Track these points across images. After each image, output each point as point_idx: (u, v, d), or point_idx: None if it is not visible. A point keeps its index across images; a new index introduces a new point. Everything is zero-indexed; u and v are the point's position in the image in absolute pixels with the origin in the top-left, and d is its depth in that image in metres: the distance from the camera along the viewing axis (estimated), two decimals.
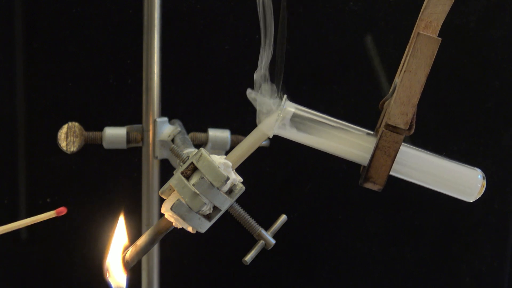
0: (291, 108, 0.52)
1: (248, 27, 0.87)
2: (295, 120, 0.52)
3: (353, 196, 0.94)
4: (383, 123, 0.50)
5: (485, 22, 0.90)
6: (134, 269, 0.55)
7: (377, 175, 0.50)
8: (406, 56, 0.51)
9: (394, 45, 0.90)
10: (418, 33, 0.48)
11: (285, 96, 0.52)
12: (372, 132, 0.52)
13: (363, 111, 0.90)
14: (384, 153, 0.50)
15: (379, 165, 0.50)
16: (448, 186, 0.53)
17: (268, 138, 0.53)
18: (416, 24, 0.50)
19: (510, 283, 0.99)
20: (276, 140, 0.75)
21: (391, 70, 0.89)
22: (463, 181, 0.52)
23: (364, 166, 0.52)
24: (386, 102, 0.52)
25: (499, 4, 0.90)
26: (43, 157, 0.87)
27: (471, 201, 0.53)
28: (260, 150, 0.54)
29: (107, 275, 0.52)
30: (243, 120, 0.88)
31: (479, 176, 0.52)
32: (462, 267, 0.98)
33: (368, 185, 0.51)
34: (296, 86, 0.90)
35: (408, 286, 0.98)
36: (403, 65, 0.51)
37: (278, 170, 0.92)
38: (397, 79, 0.52)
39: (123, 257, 0.52)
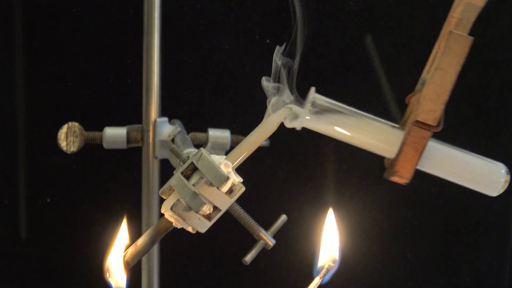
0: (320, 100, 0.52)
1: (248, 27, 0.87)
2: (323, 112, 0.52)
3: (353, 196, 0.94)
4: (411, 119, 0.51)
5: (485, 22, 0.90)
6: (134, 269, 0.55)
7: (404, 169, 0.51)
8: (436, 53, 0.51)
9: (394, 45, 0.90)
10: (451, 32, 0.49)
11: (312, 88, 0.52)
12: (396, 125, 0.53)
13: (363, 111, 0.90)
14: (412, 149, 0.51)
15: (406, 160, 0.51)
16: (472, 181, 0.53)
17: (268, 138, 0.53)
18: (447, 21, 0.51)
19: (510, 283, 0.99)
20: (276, 140, 0.75)
21: (391, 70, 0.89)
22: (487, 176, 0.53)
23: (387, 159, 0.52)
24: (414, 97, 0.52)
25: (499, 4, 0.90)
26: (43, 157, 0.87)
27: (494, 195, 0.54)
28: (260, 150, 0.54)
29: (107, 275, 0.52)
30: (243, 120, 0.88)
31: (503, 171, 0.53)
32: (462, 267, 0.98)
33: (395, 179, 0.52)
34: (296, 86, 0.90)
35: (408, 286, 0.98)
36: (433, 61, 0.51)
37: (278, 170, 0.92)
38: (426, 75, 0.52)
39: (123, 257, 0.52)
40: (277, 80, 0.53)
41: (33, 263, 0.90)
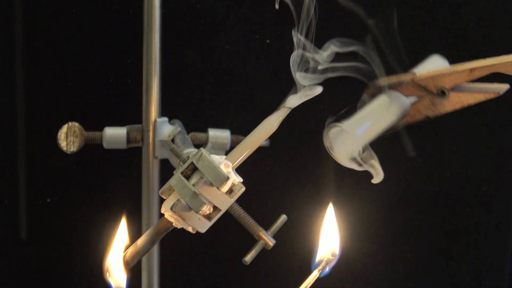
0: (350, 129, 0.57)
1: (248, 27, 0.87)
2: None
3: (353, 196, 0.94)
4: (422, 110, 0.63)
5: (485, 22, 0.90)
6: (134, 269, 0.55)
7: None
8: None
9: (394, 45, 0.90)
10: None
11: (339, 126, 0.56)
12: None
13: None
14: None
15: None
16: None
17: (268, 138, 0.53)
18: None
19: (510, 283, 0.99)
20: (276, 140, 0.75)
21: (391, 70, 0.89)
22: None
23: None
24: (427, 98, 0.62)
25: (499, 4, 0.90)
26: (43, 157, 0.87)
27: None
28: (260, 150, 0.54)
29: (107, 275, 0.52)
30: (243, 120, 0.88)
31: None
32: (462, 267, 0.98)
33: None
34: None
35: (408, 286, 0.98)
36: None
37: (278, 170, 0.92)
38: (446, 89, 0.62)
39: (123, 257, 0.52)
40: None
41: (33, 263, 0.90)
